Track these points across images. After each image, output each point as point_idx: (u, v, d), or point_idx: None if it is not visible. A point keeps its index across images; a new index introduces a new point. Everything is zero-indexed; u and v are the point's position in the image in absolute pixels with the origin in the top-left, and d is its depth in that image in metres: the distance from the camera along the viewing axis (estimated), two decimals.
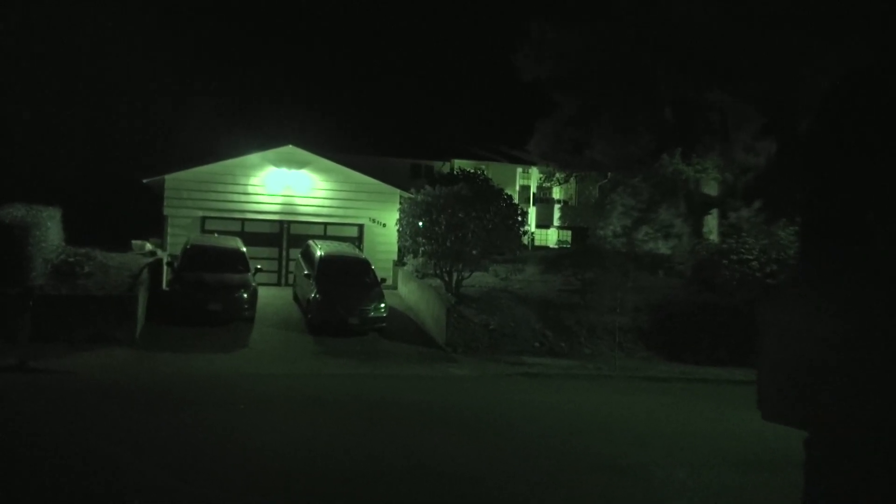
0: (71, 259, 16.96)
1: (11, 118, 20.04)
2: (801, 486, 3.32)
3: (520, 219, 20.96)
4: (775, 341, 3.10)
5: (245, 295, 17.19)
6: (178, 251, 19.28)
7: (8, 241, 14.65)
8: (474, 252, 19.43)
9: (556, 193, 35.07)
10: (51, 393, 11.10)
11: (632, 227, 25.73)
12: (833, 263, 2.99)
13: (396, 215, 21.85)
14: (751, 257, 20.13)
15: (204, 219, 22.12)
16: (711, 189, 26.05)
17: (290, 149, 22.89)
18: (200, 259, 17.68)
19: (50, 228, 16.80)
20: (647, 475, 8.35)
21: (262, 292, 18.59)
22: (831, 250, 3.03)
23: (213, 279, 17.12)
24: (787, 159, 22.21)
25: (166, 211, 21.97)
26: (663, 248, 25.47)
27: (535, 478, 8.09)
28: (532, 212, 33.58)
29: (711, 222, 26.21)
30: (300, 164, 22.95)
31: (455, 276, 19.57)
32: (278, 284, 22.45)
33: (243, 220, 22.56)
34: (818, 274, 3.08)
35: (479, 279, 20.34)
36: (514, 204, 21.66)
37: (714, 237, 25.38)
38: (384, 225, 23.29)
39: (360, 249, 21.93)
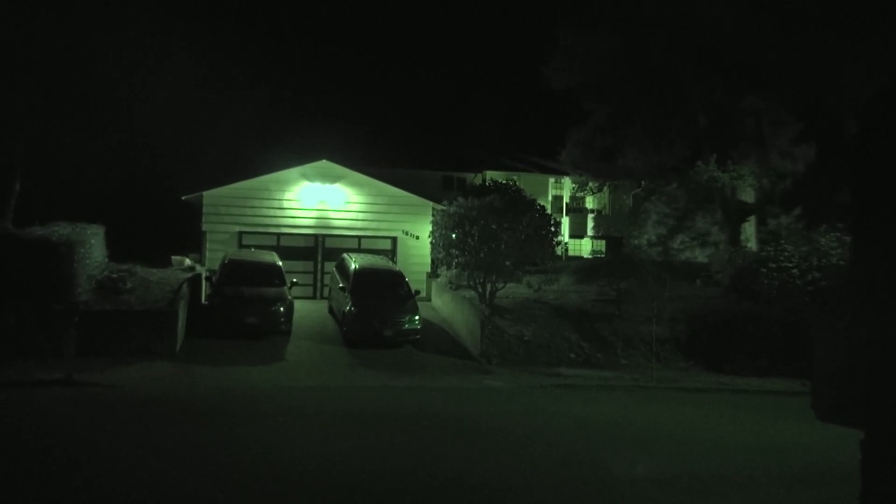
0: (114, 275, 17.39)
1: (53, 138, 20.67)
2: (851, 500, 3.23)
3: (553, 229, 20.87)
4: (829, 344, 3.07)
5: (282, 308, 17.41)
6: (216, 266, 19.64)
7: (54, 259, 15.07)
8: (507, 263, 19.39)
9: (590, 203, 34.82)
10: (95, 406, 11.37)
11: (667, 236, 25.44)
12: (883, 267, 2.95)
13: (429, 227, 21.93)
14: (790, 265, 19.69)
15: (241, 234, 22.50)
16: (748, 196, 25.61)
17: (324, 163, 23.18)
18: (238, 273, 17.99)
19: (93, 245, 17.24)
20: (686, 489, 8.19)
21: (298, 305, 18.79)
22: (882, 254, 2.98)
23: (250, 293, 17.38)
24: (827, 164, 21.74)
25: (205, 227, 22.40)
26: (700, 256, 25.12)
27: (568, 491, 8.00)
28: (565, 222, 33.39)
29: (749, 230, 25.75)
30: (334, 179, 23.22)
31: (489, 287, 19.55)
32: (314, 297, 22.68)
33: (279, 235, 22.88)
34: (869, 277, 3.03)
35: (512, 290, 20.26)
36: (547, 214, 21.58)
37: (752, 245, 24.92)
38: (417, 237, 23.39)
39: (394, 262, 22.05)
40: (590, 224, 34.90)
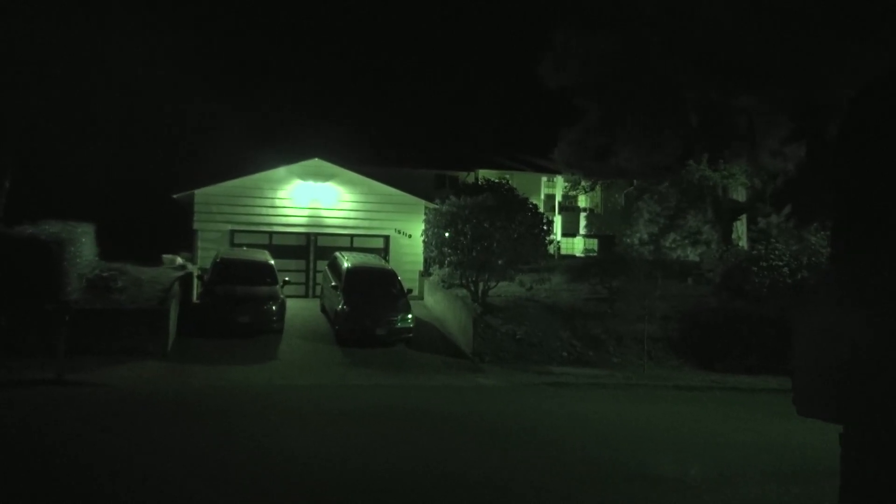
0: (105, 274, 17.31)
1: (44, 136, 20.56)
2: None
3: (545, 228, 20.91)
4: (809, 340, 3.12)
5: (274, 307, 17.37)
6: (207, 265, 19.56)
7: (45, 257, 14.99)
8: (500, 262, 19.42)
9: (582, 202, 34.87)
10: (86, 405, 11.31)
11: (659, 235, 25.53)
12: (864, 264, 2.98)
13: (422, 226, 21.93)
14: (781, 263, 19.82)
15: (233, 232, 22.42)
16: (739, 195, 25.73)
17: (316, 162, 23.13)
18: (230, 272, 17.92)
19: (84, 244, 17.16)
20: (678, 487, 8.23)
21: (291, 304, 18.76)
22: (862, 251, 3.02)
23: (242, 292, 17.33)
24: (817, 163, 21.88)
25: (196, 225, 22.30)
26: (692, 255, 25.22)
27: (563, 488, 8.03)
28: (557, 220, 33.41)
29: (740, 228, 25.88)
30: (326, 177, 23.18)
31: (481, 285, 19.57)
32: (306, 296, 22.63)
33: (271, 233, 22.81)
34: (849, 275, 3.07)
35: (504, 289, 20.29)
36: (540, 213, 21.62)
37: (743, 243, 25.05)
38: (410, 236, 23.38)
39: (387, 261, 22.03)
40: (582, 223, 34.95)
